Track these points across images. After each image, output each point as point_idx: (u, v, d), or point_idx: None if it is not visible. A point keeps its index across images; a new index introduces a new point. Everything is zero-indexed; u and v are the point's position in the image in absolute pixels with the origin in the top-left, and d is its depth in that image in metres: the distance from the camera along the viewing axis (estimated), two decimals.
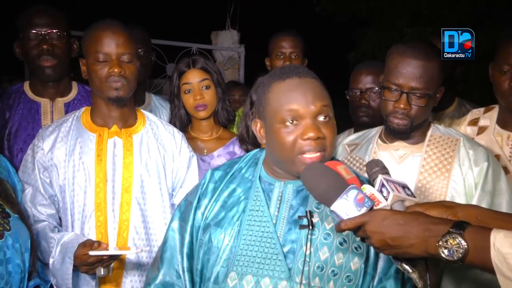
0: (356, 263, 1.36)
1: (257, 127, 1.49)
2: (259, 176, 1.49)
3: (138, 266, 1.90)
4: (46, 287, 1.72)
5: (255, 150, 1.61)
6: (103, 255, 1.66)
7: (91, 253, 1.64)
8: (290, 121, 1.37)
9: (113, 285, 1.87)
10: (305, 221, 1.37)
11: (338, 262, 1.36)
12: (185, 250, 1.50)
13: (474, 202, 1.71)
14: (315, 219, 1.38)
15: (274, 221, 1.41)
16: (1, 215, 1.51)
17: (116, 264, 1.87)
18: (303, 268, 1.33)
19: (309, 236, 1.35)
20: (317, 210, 1.40)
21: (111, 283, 1.87)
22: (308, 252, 1.34)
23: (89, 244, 1.68)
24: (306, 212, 1.37)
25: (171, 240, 1.53)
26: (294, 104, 1.36)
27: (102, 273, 1.72)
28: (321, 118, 1.38)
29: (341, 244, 1.36)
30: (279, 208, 1.43)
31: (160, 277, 1.50)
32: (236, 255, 1.39)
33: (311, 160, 1.36)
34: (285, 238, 1.39)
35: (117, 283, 1.87)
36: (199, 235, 1.48)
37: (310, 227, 1.35)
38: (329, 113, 1.39)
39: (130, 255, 1.87)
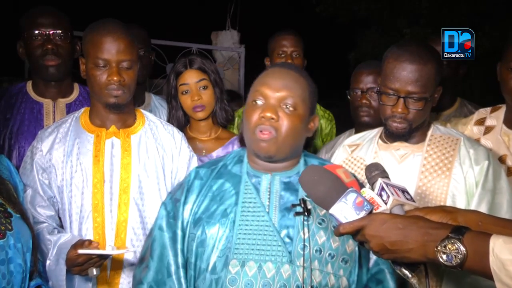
0: (350, 245, 1.46)
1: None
2: (247, 172, 1.58)
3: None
4: (48, 287, 1.71)
5: (238, 149, 1.70)
6: (92, 254, 1.63)
7: (80, 251, 1.62)
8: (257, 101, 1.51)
9: (111, 286, 1.85)
10: (299, 209, 1.45)
11: (335, 245, 1.45)
12: (179, 246, 1.53)
13: (475, 200, 1.71)
14: (308, 206, 1.45)
15: (267, 210, 1.49)
16: (3, 215, 1.50)
17: (114, 265, 1.85)
18: (304, 252, 1.41)
19: (305, 222, 1.44)
20: (309, 199, 1.46)
21: (108, 284, 1.85)
22: (306, 237, 1.42)
23: (79, 245, 1.66)
24: (300, 200, 1.46)
25: (159, 238, 1.55)
26: (264, 86, 1.52)
27: (95, 273, 1.69)
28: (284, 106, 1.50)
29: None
30: (269, 198, 1.51)
31: (152, 275, 1.52)
32: (234, 244, 1.45)
33: (263, 136, 1.48)
34: (280, 225, 1.46)
35: (114, 284, 1.86)
36: (189, 230, 1.53)
37: (306, 213, 1.44)
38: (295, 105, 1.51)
39: (128, 255, 1.85)
